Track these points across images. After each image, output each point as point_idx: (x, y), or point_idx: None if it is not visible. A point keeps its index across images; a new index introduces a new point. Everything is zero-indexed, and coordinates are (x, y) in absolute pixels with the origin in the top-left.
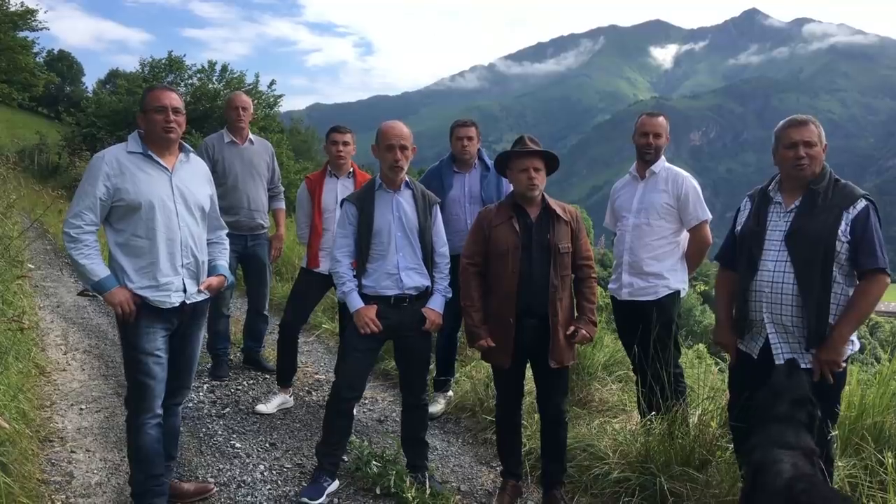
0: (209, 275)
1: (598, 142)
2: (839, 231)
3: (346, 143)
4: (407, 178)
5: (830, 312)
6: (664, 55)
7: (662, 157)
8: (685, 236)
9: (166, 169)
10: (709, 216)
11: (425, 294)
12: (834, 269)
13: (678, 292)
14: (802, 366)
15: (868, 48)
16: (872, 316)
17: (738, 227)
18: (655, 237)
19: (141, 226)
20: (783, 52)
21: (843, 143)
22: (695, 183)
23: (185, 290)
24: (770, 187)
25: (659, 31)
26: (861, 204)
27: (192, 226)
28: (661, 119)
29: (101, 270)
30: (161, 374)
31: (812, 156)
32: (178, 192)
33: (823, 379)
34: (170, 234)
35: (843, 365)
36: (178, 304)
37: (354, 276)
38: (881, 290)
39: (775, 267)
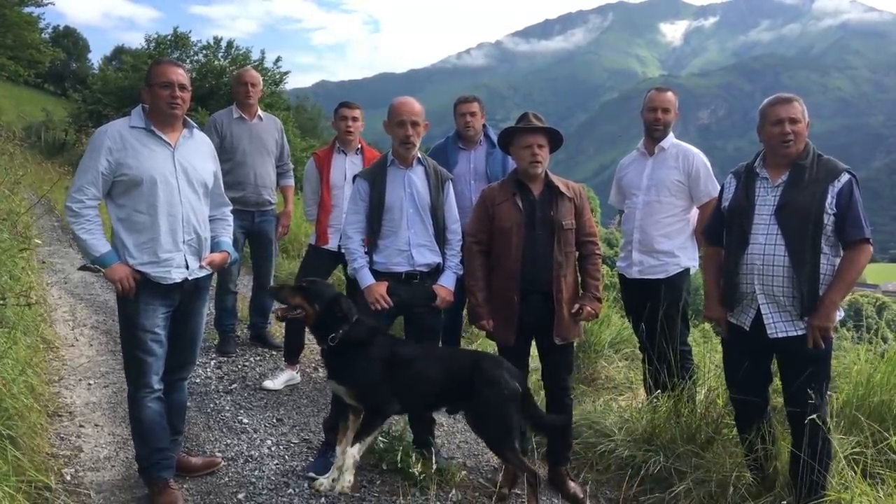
0: (213, 251)
1: (605, 120)
2: (826, 204)
3: (354, 119)
4: (419, 155)
5: (820, 282)
6: (674, 32)
7: (671, 134)
8: (694, 213)
9: (169, 144)
10: None
11: (437, 271)
12: (821, 240)
13: (688, 270)
14: (795, 333)
15: (880, 25)
16: (879, 296)
17: (725, 204)
18: (666, 214)
19: (142, 201)
20: (794, 28)
21: (852, 122)
22: (704, 159)
23: (187, 266)
24: (755, 164)
25: (668, 7)
26: (845, 178)
27: (194, 202)
28: (670, 94)
29: (101, 246)
30: (159, 351)
31: (797, 132)
32: (181, 167)
33: (816, 346)
34: (171, 210)
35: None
36: (179, 281)
37: (366, 253)
38: (867, 259)
39: (766, 240)
